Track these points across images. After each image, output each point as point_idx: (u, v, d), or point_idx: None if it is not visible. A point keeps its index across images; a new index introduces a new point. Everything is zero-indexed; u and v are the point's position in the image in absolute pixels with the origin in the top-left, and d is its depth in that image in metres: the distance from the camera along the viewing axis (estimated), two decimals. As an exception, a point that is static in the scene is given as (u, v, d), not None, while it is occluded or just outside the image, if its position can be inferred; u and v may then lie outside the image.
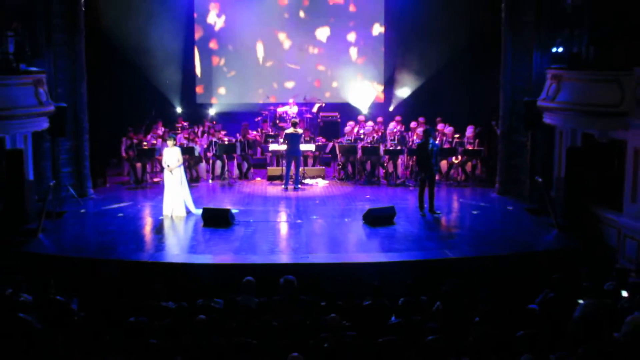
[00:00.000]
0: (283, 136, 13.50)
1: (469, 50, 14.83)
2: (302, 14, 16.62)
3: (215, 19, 16.54)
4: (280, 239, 10.02)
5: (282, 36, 16.67)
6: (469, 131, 13.76)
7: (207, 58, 16.69)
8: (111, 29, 13.65)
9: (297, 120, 13.69)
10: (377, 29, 16.76)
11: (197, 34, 16.55)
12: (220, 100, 16.79)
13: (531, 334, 5.27)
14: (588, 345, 4.75)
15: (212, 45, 16.69)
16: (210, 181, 14.03)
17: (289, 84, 16.84)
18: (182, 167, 11.20)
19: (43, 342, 5.24)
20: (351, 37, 16.74)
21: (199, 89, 16.81)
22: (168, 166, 11.01)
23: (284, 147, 13.26)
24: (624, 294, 6.60)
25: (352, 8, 16.71)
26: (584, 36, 10.16)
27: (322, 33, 16.63)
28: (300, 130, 13.33)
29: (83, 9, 11.89)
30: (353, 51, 16.79)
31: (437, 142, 12.85)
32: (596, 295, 6.29)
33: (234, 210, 10.91)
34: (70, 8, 11.73)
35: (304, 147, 13.73)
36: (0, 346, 5.24)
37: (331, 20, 16.58)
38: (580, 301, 6.15)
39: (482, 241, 9.81)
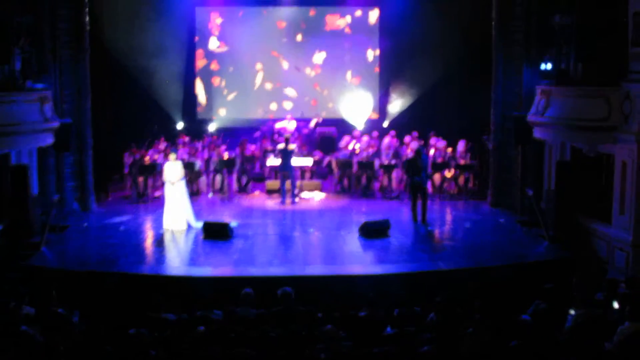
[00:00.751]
0: (276, 151, 13.72)
1: (461, 68, 14.94)
2: (299, 37, 16.92)
3: (216, 42, 16.85)
4: (278, 251, 10.08)
5: (280, 58, 16.95)
6: (461, 146, 13.85)
7: (208, 79, 16.96)
8: (115, 48, 13.81)
9: (289, 136, 13.88)
10: (372, 51, 17.01)
11: (199, 56, 16.81)
12: (220, 117, 17.04)
13: (524, 344, 5.30)
14: (580, 355, 4.90)
15: (213, 66, 16.97)
16: (210, 195, 14.11)
17: (287, 105, 17.07)
18: (184, 181, 11.33)
19: (45, 355, 5.26)
20: (347, 58, 17.00)
21: (200, 108, 17.05)
22: (170, 180, 11.18)
23: (278, 162, 13.40)
24: (615, 304, 6.58)
25: (347, 30, 17.00)
26: (572, 53, 10.28)
27: (319, 56, 16.92)
28: (292, 146, 13.38)
29: (88, 27, 12.08)
30: (349, 72, 17.03)
31: (429, 156, 13.11)
32: (587, 306, 6.32)
33: (233, 224, 11.00)
34: (76, 27, 11.88)
35: (301, 161, 13.86)
36: (3, 359, 5.31)
37: (327, 43, 16.81)
38: (572, 312, 6.26)
39: (474, 253, 9.86)
